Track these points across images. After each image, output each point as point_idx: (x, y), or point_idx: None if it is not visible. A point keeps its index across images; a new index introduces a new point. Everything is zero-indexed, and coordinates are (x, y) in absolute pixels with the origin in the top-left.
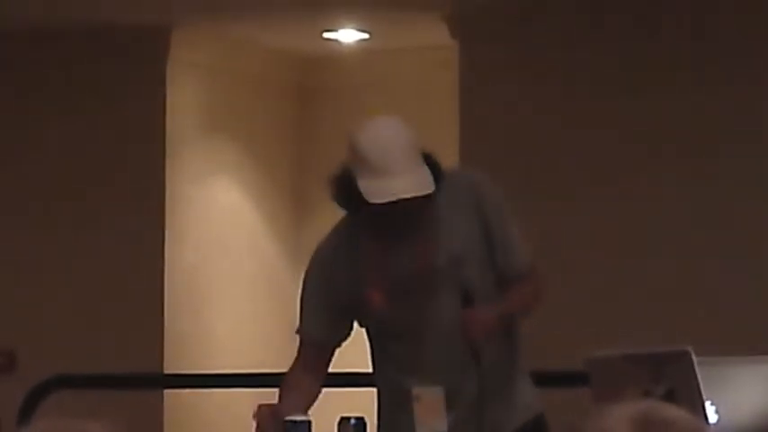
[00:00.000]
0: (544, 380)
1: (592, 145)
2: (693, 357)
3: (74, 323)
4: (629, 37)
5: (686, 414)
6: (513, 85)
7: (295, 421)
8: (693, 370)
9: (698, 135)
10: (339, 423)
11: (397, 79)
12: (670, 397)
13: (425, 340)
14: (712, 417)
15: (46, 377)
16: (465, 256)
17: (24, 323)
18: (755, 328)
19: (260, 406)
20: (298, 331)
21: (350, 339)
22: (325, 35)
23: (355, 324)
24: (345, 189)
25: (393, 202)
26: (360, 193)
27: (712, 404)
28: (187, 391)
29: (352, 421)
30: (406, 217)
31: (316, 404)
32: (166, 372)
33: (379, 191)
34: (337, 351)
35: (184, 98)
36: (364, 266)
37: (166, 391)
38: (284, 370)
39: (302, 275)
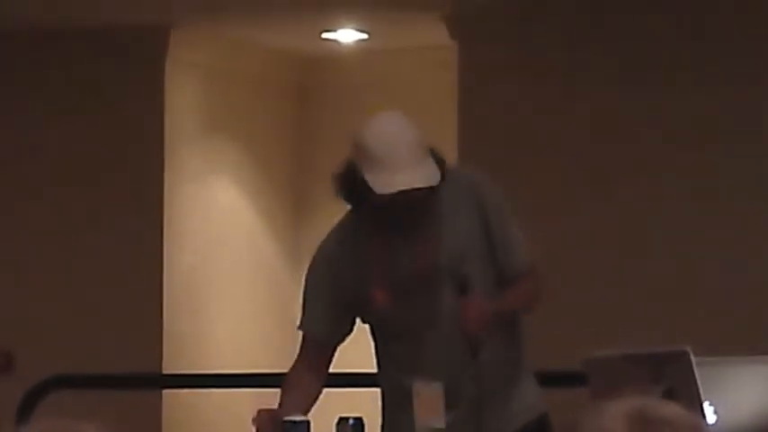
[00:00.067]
0: (544, 380)
1: (592, 145)
2: (692, 357)
3: (72, 323)
4: (629, 37)
5: (683, 410)
6: (512, 85)
7: (294, 421)
8: (692, 370)
9: (698, 135)
10: (337, 423)
11: (396, 79)
12: (669, 397)
13: (425, 340)
14: (711, 417)
15: (44, 377)
16: (466, 252)
17: (23, 323)
18: (755, 328)
19: (259, 411)
20: (300, 327)
21: (351, 340)
22: (325, 35)
23: (357, 323)
24: (350, 184)
25: (398, 195)
26: (364, 188)
27: (711, 404)
28: (186, 391)
29: (351, 422)
30: (410, 212)
31: (315, 404)
32: (165, 372)
33: (385, 183)
34: (338, 351)
35: (183, 98)
36: (368, 264)
37: (165, 391)
38: (283, 370)
39: (301, 275)
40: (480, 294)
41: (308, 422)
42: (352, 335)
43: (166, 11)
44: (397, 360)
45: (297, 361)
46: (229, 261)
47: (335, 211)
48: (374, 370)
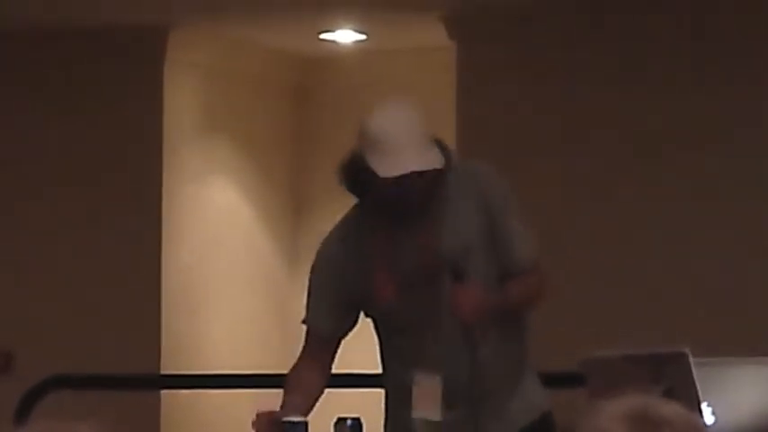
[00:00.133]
0: (544, 380)
1: (592, 145)
2: (690, 358)
3: (71, 323)
4: (629, 37)
5: (682, 410)
6: (511, 85)
7: (293, 422)
8: (690, 371)
9: (698, 135)
10: (336, 423)
11: (394, 80)
12: (668, 397)
13: (428, 335)
14: (709, 418)
15: (43, 377)
16: (470, 245)
17: (21, 323)
18: (755, 328)
19: (258, 414)
20: (304, 321)
21: (352, 340)
22: (323, 36)
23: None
24: (354, 173)
25: (401, 180)
26: (368, 176)
27: (709, 405)
28: (184, 391)
29: (349, 422)
30: (413, 202)
31: (318, 401)
32: (163, 372)
33: (389, 166)
34: (338, 352)
35: (182, 98)
36: (372, 258)
37: (163, 392)
38: (282, 370)
39: (300, 275)
40: (476, 283)
41: (306, 423)
42: (352, 335)
43: (166, 11)
44: (400, 354)
45: (301, 356)
46: (227, 261)
47: (334, 211)
48: (373, 371)
